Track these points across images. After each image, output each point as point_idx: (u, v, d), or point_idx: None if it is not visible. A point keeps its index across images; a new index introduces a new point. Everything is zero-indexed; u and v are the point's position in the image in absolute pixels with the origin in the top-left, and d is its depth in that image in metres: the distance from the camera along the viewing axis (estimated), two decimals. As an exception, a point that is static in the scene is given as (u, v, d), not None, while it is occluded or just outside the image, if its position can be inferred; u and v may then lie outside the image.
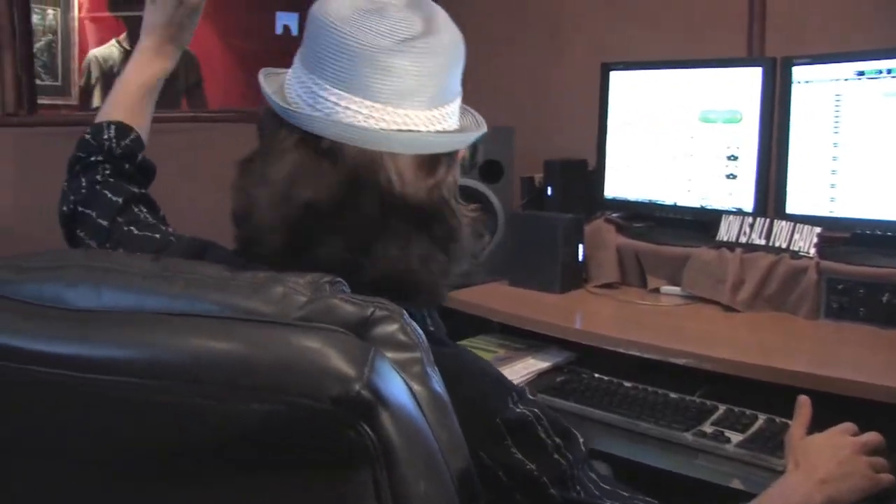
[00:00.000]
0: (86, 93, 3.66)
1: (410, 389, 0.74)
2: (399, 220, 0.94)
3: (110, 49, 3.58)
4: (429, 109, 0.95)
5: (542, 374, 1.91)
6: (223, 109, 3.13)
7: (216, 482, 0.73)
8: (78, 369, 0.72)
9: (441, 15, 0.98)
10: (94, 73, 3.56)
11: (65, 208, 1.33)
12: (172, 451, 0.73)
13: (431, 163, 0.96)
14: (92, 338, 0.73)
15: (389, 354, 0.73)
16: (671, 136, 2.25)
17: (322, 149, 0.93)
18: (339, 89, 0.93)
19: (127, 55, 3.51)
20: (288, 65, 1.04)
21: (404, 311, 0.77)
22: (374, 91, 0.92)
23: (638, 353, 1.80)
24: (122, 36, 3.59)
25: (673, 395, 1.71)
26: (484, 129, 1.03)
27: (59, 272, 0.82)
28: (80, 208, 1.30)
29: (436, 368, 0.79)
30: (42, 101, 2.92)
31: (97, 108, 3.27)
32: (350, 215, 0.93)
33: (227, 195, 2.85)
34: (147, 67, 1.44)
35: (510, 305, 2.10)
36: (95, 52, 3.58)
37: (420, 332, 0.78)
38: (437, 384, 0.78)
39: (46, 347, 0.74)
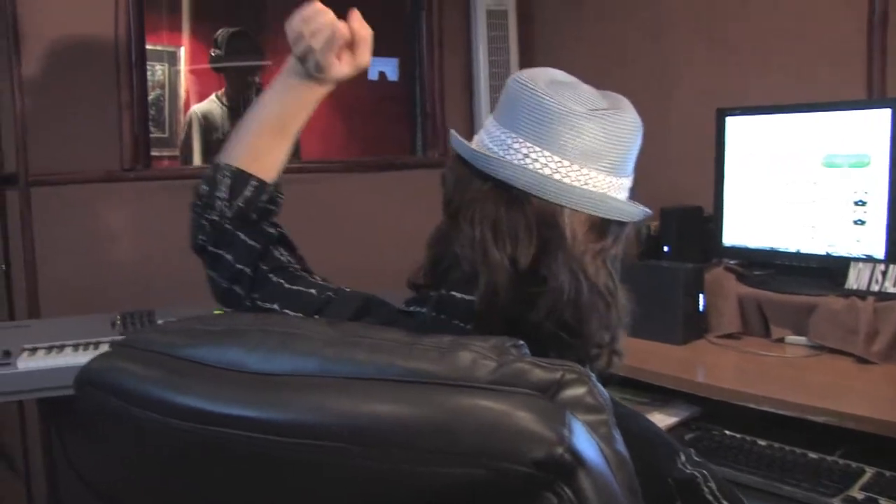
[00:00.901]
0: (186, 147, 3.78)
1: (602, 451, 0.74)
2: (562, 278, 0.98)
3: (211, 105, 3.69)
4: (608, 175, 1.00)
5: (669, 431, 1.85)
6: (326, 160, 3.16)
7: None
8: (270, 433, 0.72)
9: (626, 102, 1.04)
10: (195, 129, 3.66)
11: (195, 242, 1.24)
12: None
13: (602, 228, 1.01)
14: (284, 402, 0.73)
15: (580, 416, 0.73)
16: (793, 181, 2.18)
17: (511, 198, 0.99)
18: (531, 142, 0.99)
19: (227, 111, 3.63)
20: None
21: (591, 374, 0.77)
22: (564, 147, 0.98)
23: (771, 410, 1.72)
24: (222, 91, 3.69)
25: (812, 454, 1.63)
26: (650, 211, 1.07)
27: (236, 336, 0.83)
28: (210, 248, 1.21)
29: (618, 430, 0.79)
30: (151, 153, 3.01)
31: (202, 166, 3.39)
32: (535, 271, 0.98)
33: (335, 248, 2.84)
34: (290, 91, 1.23)
35: (630, 357, 2.00)
36: (197, 107, 3.68)
37: (606, 394, 0.78)
38: (621, 445, 0.78)
39: (238, 411, 0.74)
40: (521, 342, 0.79)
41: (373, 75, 4.71)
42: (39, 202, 2.62)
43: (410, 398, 0.70)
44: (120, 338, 2.15)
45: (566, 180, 0.98)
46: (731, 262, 2.31)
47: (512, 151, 0.99)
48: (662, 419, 1.89)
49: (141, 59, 2.75)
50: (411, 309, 1.07)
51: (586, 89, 1.03)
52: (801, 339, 2.07)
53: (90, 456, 0.88)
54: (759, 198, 2.25)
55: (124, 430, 0.84)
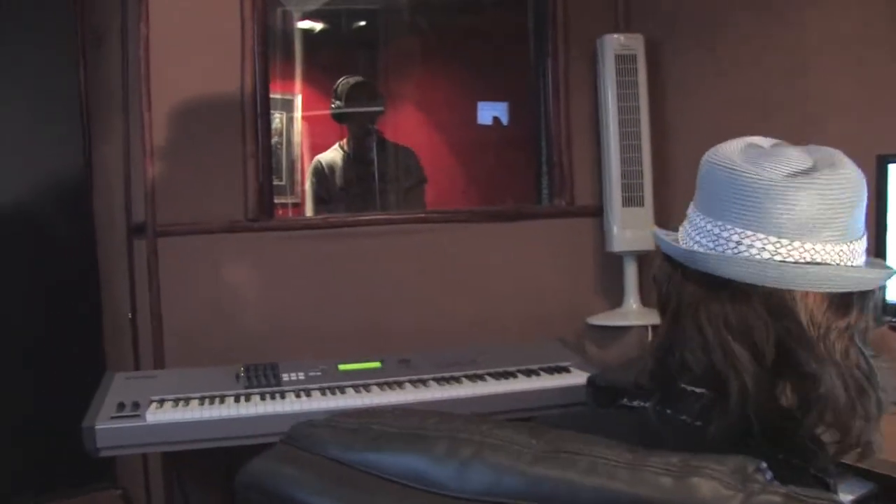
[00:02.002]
0: (308, 196, 3.78)
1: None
2: (814, 367, 0.88)
3: (334, 154, 3.68)
4: (837, 244, 0.90)
5: (846, 511, 1.68)
6: (450, 210, 3.08)
7: None
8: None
9: (839, 154, 0.94)
10: (318, 178, 3.66)
11: None
12: None
13: (843, 303, 0.91)
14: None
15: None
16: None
17: (734, 292, 0.90)
18: (740, 227, 0.91)
19: (350, 160, 3.62)
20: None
21: None
22: (777, 225, 0.89)
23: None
24: (344, 140, 3.68)
25: None
26: (893, 269, 0.97)
27: (421, 443, 0.74)
28: None
29: None
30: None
31: (326, 216, 3.35)
32: (780, 369, 0.89)
33: (459, 298, 2.72)
34: None
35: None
36: (322, 157, 3.68)
37: None
38: None
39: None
40: (764, 464, 0.68)
41: (486, 119, 4.68)
42: (166, 252, 2.64)
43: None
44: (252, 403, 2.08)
45: (789, 261, 0.89)
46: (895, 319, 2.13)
47: (722, 241, 0.91)
48: (841, 496, 1.71)
49: (265, 109, 2.76)
50: (634, 404, 0.98)
51: (787, 152, 0.93)
52: (985, 410, 1.87)
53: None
54: (927, 251, 2.06)
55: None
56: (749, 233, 0.89)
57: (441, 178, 4.05)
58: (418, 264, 2.84)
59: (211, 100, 2.70)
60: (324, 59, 4.53)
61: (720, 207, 0.92)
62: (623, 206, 2.84)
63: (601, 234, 2.96)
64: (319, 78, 4.37)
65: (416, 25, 4.47)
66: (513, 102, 4.33)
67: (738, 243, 0.90)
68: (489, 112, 4.65)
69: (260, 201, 2.71)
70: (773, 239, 0.89)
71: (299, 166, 4.19)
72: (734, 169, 0.91)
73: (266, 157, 2.74)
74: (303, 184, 4.04)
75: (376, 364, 2.41)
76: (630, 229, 2.85)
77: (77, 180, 2.59)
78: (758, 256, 0.89)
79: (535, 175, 3.16)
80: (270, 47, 3.01)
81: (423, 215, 2.93)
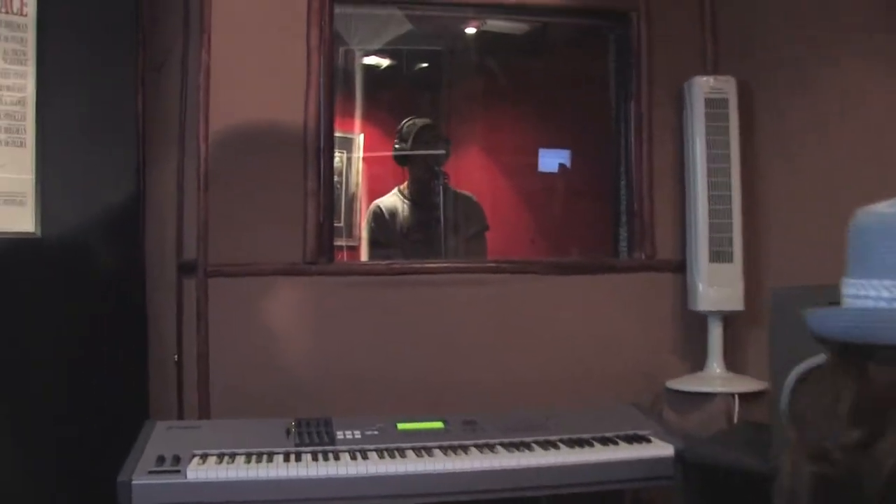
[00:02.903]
0: (364, 241, 3.62)
1: None
2: None
3: (394, 199, 3.52)
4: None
5: None
6: (521, 261, 2.88)
7: None
8: None
9: None
10: (378, 223, 3.50)
11: None
12: None
13: None
14: None
15: None
16: None
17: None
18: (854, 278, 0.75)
19: (410, 205, 3.46)
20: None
21: None
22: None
23: None
24: (404, 185, 3.52)
25: None
26: None
27: None
28: None
29: None
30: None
31: (391, 262, 3.18)
32: None
33: (527, 354, 2.44)
34: None
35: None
36: (381, 202, 3.52)
37: None
38: None
39: None
40: None
41: (546, 167, 4.51)
42: (217, 292, 2.50)
43: None
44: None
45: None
46: None
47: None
48: None
49: (329, 145, 2.62)
50: None
51: None
52: None
53: None
54: None
55: None
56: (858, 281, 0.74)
57: (506, 225, 3.88)
58: (485, 317, 2.65)
59: (271, 133, 2.57)
60: (386, 99, 4.43)
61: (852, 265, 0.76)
62: (710, 261, 2.62)
63: (682, 291, 2.75)
64: (381, 118, 4.26)
65: (482, 66, 4.35)
66: (582, 147, 4.17)
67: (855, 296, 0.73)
68: (556, 158, 4.49)
69: (319, 243, 2.55)
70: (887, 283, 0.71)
71: (358, 207, 4.05)
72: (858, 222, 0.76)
73: (328, 195, 2.58)
74: (361, 226, 3.89)
75: (438, 424, 2.21)
76: (716, 287, 2.63)
77: (129, 210, 2.46)
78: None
79: (609, 225, 2.96)
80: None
81: (492, 265, 2.75)
